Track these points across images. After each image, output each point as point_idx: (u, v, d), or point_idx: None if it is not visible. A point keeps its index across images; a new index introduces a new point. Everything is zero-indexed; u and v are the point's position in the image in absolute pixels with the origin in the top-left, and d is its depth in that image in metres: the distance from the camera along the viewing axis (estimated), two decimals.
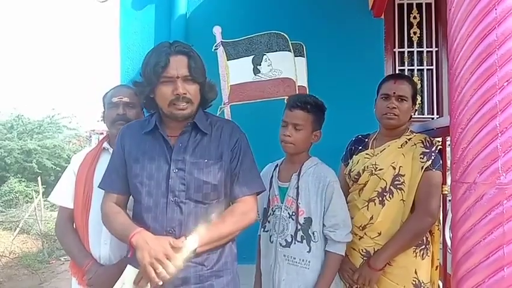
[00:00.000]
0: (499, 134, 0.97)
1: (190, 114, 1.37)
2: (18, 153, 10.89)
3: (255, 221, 1.46)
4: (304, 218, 1.65)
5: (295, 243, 1.64)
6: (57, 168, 11.22)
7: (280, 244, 1.66)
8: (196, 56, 1.36)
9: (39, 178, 8.52)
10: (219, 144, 1.40)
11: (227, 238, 1.38)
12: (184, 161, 1.35)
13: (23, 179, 10.47)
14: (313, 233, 1.64)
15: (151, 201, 1.34)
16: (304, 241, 1.64)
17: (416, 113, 2.99)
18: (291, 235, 1.65)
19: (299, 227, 1.65)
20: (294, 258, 1.64)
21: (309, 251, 1.64)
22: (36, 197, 7.87)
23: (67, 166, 1.82)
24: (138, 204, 1.38)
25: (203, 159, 1.36)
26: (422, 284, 1.71)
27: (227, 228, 1.35)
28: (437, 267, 1.82)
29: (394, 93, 1.77)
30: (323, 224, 1.66)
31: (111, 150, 1.71)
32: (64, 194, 1.71)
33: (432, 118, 3.36)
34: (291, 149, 1.69)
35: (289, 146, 1.68)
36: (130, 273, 1.25)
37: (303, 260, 1.64)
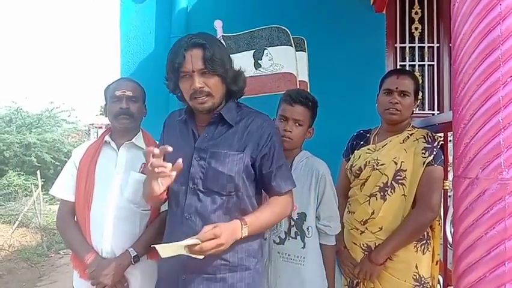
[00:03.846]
0: (502, 130, 0.97)
1: (212, 107, 1.37)
2: (17, 147, 10.90)
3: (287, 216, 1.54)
4: (297, 214, 1.64)
5: (289, 239, 1.63)
6: (56, 162, 11.25)
7: (274, 241, 1.64)
8: (213, 47, 1.32)
9: (38, 172, 8.53)
10: (243, 136, 1.39)
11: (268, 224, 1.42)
12: (206, 150, 1.38)
13: (22, 173, 10.50)
14: (307, 228, 1.63)
15: (176, 186, 1.39)
16: (299, 237, 1.63)
17: (417, 108, 2.99)
18: (285, 232, 1.63)
19: (292, 223, 1.63)
20: (289, 255, 1.62)
21: (303, 247, 1.62)
22: (35, 191, 7.88)
23: (66, 160, 1.82)
24: (169, 188, 1.40)
25: (223, 150, 1.36)
26: (423, 278, 1.72)
27: (269, 217, 1.39)
28: (437, 262, 1.83)
29: (397, 88, 1.77)
30: (317, 217, 1.65)
31: (112, 143, 1.70)
32: (65, 187, 1.70)
33: (433, 114, 3.35)
34: (289, 144, 1.65)
35: (289, 141, 1.64)
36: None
37: (297, 257, 1.62)
